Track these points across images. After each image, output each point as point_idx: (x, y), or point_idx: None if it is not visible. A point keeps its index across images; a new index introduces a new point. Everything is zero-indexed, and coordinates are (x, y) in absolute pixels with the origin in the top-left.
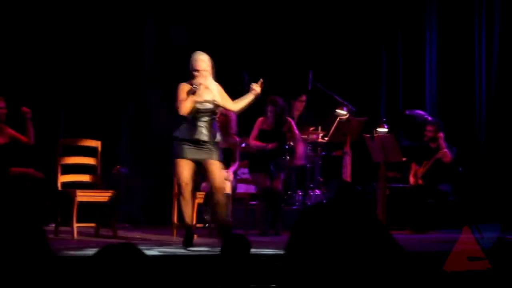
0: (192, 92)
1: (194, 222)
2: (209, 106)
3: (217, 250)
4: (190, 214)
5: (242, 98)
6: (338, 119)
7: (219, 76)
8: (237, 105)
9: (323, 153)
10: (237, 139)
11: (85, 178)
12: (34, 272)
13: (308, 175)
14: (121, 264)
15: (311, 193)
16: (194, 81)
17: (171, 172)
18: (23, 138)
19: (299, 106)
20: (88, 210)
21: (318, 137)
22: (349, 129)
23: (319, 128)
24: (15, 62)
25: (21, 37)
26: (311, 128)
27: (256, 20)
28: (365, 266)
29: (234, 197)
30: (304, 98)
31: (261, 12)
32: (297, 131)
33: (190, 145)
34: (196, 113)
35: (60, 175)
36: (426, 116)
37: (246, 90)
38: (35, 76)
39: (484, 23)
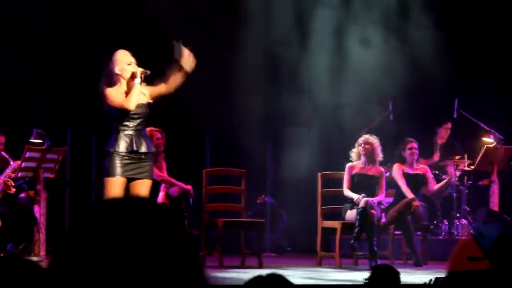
0: (141, 78)
1: None
2: (144, 109)
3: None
4: None
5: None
6: (485, 147)
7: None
8: (171, 85)
9: (470, 182)
10: (382, 168)
11: (230, 207)
12: None
13: (454, 205)
14: None
15: (457, 223)
16: (139, 69)
17: (315, 200)
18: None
19: (444, 133)
20: (234, 239)
21: (464, 166)
22: (496, 157)
23: (465, 156)
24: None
25: None
26: (457, 157)
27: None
28: None
29: (380, 227)
30: (449, 125)
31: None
32: (384, 186)
33: (127, 159)
34: (131, 118)
35: (206, 204)
36: None
37: (389, 118)
38: (182, 103)
39: None
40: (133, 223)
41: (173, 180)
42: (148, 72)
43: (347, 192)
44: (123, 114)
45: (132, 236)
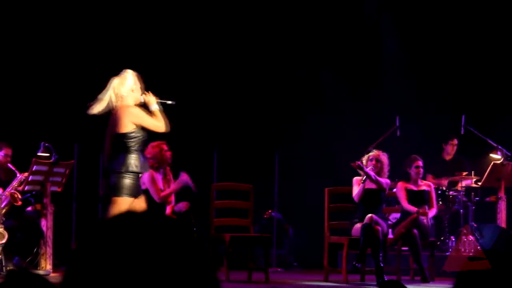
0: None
1: None
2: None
3: None
4: None
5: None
6: (492, 163)
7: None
8: None
9: (477, 198)
10: (389, 182)
11: (237, 222)
12: None
13: (462, 221)
14: None
15: (465, 239)
16: (156, 98)
17: (322, 215)
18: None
19: (450, 150)
20: (240, 254)
21: (471, 182)
22: (503, 173)
23: (472, 173)
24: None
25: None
26: (464, 173)
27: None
28: None
29: (386, 242)
30: (455, 141)
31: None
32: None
33: (135, 179)
34: (143, 139)
35: (213, 219)
36: None
37: (396, 133)
38: (187, 116)
39: None
40: (146, 237)
41: (170, 190)
42: (169, 102)
43: (355, 190)
44: (146, 135)
45: (146, 250)
